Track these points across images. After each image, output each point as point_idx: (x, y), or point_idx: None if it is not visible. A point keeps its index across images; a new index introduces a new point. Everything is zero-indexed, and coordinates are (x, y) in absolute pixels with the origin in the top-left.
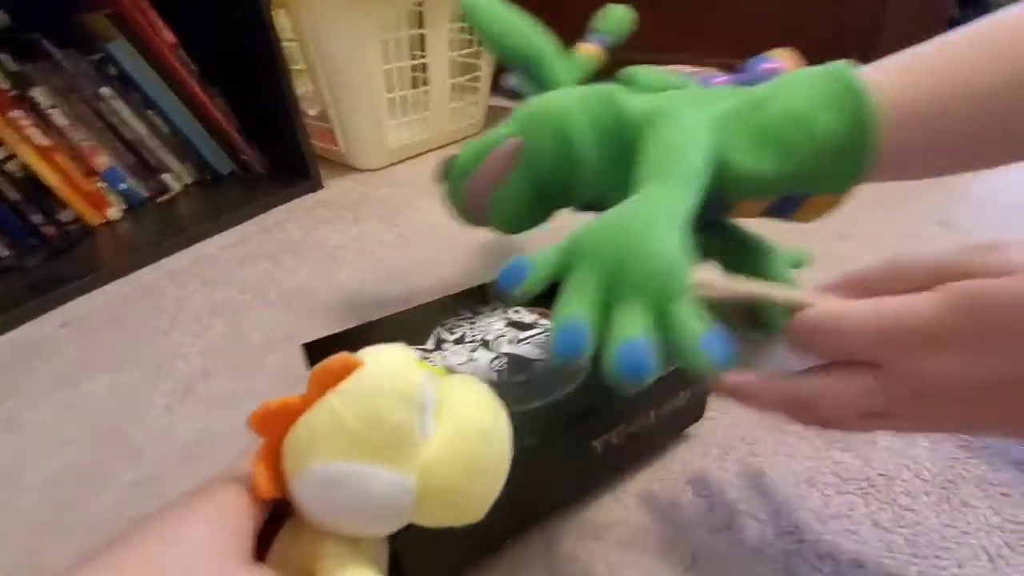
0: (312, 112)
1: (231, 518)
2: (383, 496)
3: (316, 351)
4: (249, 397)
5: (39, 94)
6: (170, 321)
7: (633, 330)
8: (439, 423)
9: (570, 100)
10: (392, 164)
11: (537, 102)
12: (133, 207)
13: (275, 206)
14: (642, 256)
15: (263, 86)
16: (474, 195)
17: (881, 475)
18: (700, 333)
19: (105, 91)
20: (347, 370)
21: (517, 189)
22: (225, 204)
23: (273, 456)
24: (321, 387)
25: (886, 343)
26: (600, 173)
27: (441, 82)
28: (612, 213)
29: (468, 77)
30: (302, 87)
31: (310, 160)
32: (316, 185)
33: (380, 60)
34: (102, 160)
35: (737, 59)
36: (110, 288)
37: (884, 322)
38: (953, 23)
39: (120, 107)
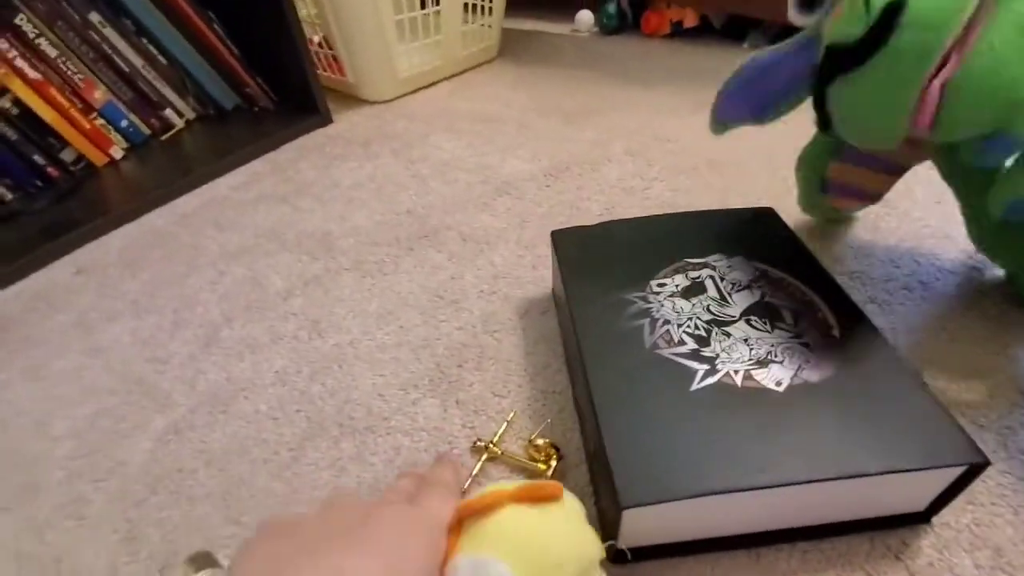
0: (316, 39)
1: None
2: None
3: (563, 239)
4: (273, 343)
5: (23, 22)
6: (187, 266)
7: None
8: None
9: None
10: (403, 95)
11: None
12: (136, 145)
13: (284, 143)
14: None
15: (262, 11)
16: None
17: None
18: None
19: (94, 17)
20: (553, 498)
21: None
22: (232, 141)
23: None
24: (528, 497)
25: None
26: None
27: (453, 1)
28: None
29: None
30: (304, 10)
31: (317, 93)
32: (326, 120)
33: None
34: (99, 95)
35: None
36: (121, 232)
37: None
38: None
39: (112, 35)
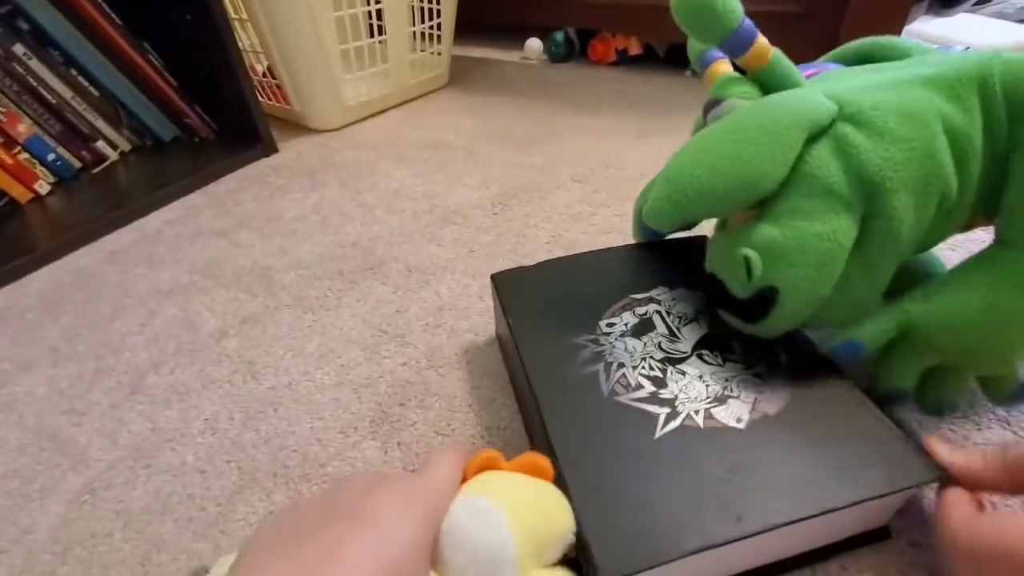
0: (261, 68)
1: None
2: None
3: (504, 283)
4: (204, 388)
5: None
6: (113, 308)
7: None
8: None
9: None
10: (351, 123)
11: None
12: (65, 180)
13: (225, 174)
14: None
15: (200, 40)
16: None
17: None
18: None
19: (18, 49)
20: (547, 474)
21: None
22: (169, 173)
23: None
24: (524, 468)
25: None
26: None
27: (399, 30)
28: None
29: (429, 24)
30: (247, 40)
31: (260, 122)
32: (269, 149)
33: (329, 6)
34: (23, 128)
35: None
36: (43, 273)
37: None
38: None
39: (38, 67)
